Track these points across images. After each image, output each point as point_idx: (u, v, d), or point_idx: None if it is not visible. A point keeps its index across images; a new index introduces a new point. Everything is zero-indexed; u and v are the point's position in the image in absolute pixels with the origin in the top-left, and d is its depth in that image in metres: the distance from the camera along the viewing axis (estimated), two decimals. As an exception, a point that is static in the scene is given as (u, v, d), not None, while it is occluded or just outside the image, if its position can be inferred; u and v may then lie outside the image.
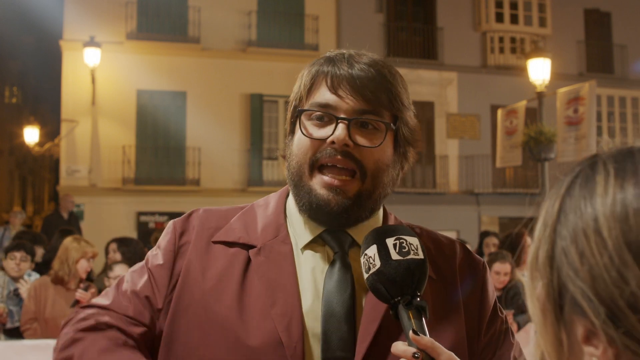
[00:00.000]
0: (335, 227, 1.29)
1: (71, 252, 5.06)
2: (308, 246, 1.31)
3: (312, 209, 1.26)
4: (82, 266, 5.08)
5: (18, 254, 5.39)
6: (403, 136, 1.29)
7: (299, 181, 1.27)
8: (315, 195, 1.24)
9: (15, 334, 5.03)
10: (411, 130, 1.30)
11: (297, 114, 1.29)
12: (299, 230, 1.32)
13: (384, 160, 1.27)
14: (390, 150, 1.28)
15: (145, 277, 1.33)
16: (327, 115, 1.25)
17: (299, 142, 1.28)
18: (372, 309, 1.22)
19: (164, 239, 1.37)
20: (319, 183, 1.24)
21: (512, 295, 5.40)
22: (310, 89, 1.28)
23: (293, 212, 1.34)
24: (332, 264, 1.27)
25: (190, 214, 1.40)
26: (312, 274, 1.28)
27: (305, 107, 1.27)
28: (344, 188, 1.24)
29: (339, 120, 1.23)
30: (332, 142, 1.22)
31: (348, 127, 1.22)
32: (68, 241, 5.22)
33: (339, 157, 1.23)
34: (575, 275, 0.63)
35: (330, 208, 1.24)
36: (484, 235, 10.56)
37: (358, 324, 1.22)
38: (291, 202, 1.35)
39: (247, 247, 1.30)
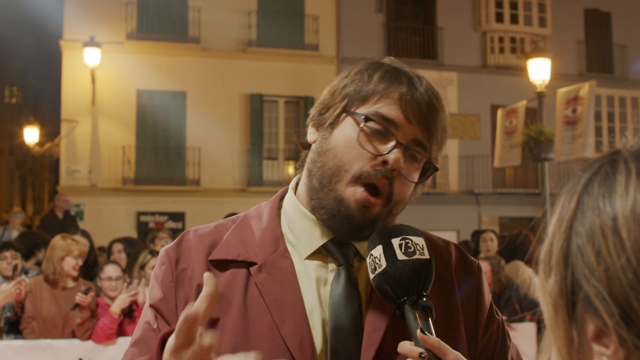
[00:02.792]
0: (339, 237, 1.25)
1: (56, 250, 5.03)
2: (310, 256, 1.26)
3: (333, 217, 1.21)
4: (69, 264, 5.01)
5: (8, 254, 5.37)
6: (430, 171, 1.28)
7: (328, 183, 1.21)
8: (346, 206, 1.19)
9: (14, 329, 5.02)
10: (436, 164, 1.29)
11: (352, 113, 1.23)
12: (302, 238, 1.27)
13: (408, 192, 1.25)
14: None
15: (153, 316, 1.26)
16: (388, 132, 1.20)
17: (347, 145, 1.21)
18: (376, 318, 1.19)
19: (159, 269, 1.30)
20: (353, 195, 1.19)
21: (505, 300, 5.34)
22: (379, 95, 1.22)
23: (294, 217, 1.30)
24: (337, 275, 1.24)
25: (181, 239, 1.32)
26: (314, 287, 1.24)
27: (367, 111, 1.21)
28: (372, 207, 1.20)
29: (398, 144, 1.19)
30: (384, 162, 1.18)
31: (403, 152, 1.19)
32: (55, 239, 5.19)
33: (385, 180, 1.19)
34: (590, 274, 0.62)
35: (350, 224, 1.20)
36: (477, 234, 10.56)
37: None
38: (290, 206, 1.31)
39: (247, 264, 1.24)
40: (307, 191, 1.27)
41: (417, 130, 1.21)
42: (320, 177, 1.23)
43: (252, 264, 1.24)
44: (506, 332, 1.39)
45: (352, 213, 1.19)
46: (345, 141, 1.21)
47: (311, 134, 1.30)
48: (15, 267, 5.14)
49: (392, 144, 1.19)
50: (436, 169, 1.28)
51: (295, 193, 1.34)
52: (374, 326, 1.18)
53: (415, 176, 1.25)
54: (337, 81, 1.29)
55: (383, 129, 1.20)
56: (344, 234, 1.24)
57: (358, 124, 1.21)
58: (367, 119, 1.20)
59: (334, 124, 1.25)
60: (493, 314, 1.37)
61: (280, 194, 1.37)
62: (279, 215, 1.33)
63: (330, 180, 1.21)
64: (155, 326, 1.25)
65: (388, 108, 1.20)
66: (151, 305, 1.27)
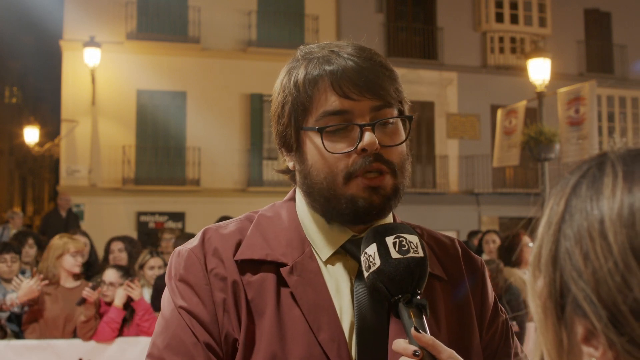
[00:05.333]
0: (370, 223, 1.23)
1: (51, 249, 5.00)
2: (329, 259, 1.24)
3: (359, 214, 1.19)
4: (68, 262, 4.96)
5: (8, 256, 5.36)
6: (408, 120, 1.26)
7: (332, 194, 1.20)
8: (361, 199, 1.18)
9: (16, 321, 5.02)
10: (409, 110, 1.28)
11: (306, 129, 1.21)
12: (318, 240, 1.25)
13: (405, 151, 1.24)
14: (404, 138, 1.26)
15: (186, 324, 1.18)
16: (346, 122, 1.18)
17: (322, 157, 1.20)
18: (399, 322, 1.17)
19: (187, 271, 1.22)
20: (359, 188, 1.18)
21: (507, 301, 5.31)
22: (314, 97, 1.19)
23: (308, 224, 1.28)
24: (359, 275, 1.21)
25: (202, 238, 1.26)
26: (339, 289, 1.22)
27: (315, 120, 1.19)
28: (381, 185, 1.19)
29: (361, 128, 1.17)
30: (363, 150, 1.17)
31: (372, 130, 1.17)
32: (54, 239, 5.17)
33: (373, 164, 1.18)
34: (578, 277, 0.62)
35: (375, 207, 1.19)
36: (473, 234, 10.61)
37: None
38: (303, 213, 1.29)
39: (277, 265, 1.21)
40: (318, 209, 1.25)
41: (368, 100, 1.17)
42: (320, 193, 1.22)
43: (280, 265, 1.21)
44: (510, 328, 1.38)
45: (370, 200, 1.19)
46: (318, 155, 1.21)
47: (288, 161, 1.29)
48: (34, 264, 5.11)
49: (356, 131, 1.17)
50: (411, 118, 1.25)
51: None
52: (399, 325, 1.16)
53: (399, 135, 1.22)
54: (274, 102, 1.28)
55: (340, 123, 1.18)
56: (370, 222, 1.23)
57: (317, 135, 1.20)
58: (321, 128, 1.18)
59: (299, 146, 1.24)
60: (497, 310, 1.37)
61: (292, 195, 1.34)
62: (297, 216, 1.30)
63: (330, 190, 1.20)
64: (194, 331, 1.18)
65: (329, 102, 1.18)
66: (184, 309, 1.19)
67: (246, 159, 16.50)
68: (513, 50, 18.74)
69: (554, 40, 18.33)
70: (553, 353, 0.66)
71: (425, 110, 17.66)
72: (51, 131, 24.04)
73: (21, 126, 22.80)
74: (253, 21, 16.83)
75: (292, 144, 1.25)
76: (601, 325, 0.60)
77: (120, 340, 4.78)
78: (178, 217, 15.97)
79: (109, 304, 4.82)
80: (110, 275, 4.92)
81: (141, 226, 15.64)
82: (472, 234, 10.81)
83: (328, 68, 1.18)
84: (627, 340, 0.59)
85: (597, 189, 0.65)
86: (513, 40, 18.87)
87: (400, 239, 1.14)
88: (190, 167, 16.25)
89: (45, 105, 32.12)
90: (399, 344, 1.07)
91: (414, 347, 1.04)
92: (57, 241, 5.09)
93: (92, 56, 15.00)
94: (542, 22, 19.02)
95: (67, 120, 15.81)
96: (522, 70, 15.20)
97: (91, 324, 4.72)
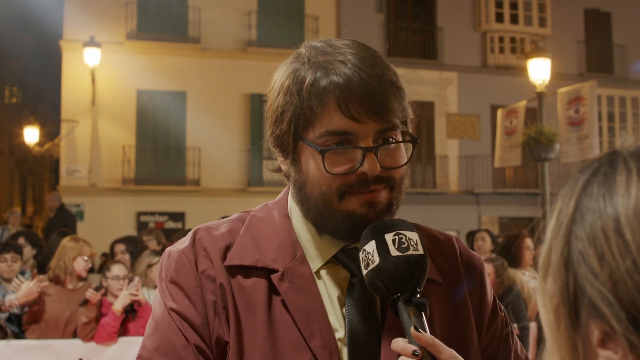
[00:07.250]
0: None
1: (68, 251, 5.09)
2: (321, 267, 1.22)
3: (354, 230, 1.16)
4: (80, 265, 5.10)
5: (8, 256, 5.36)
6: (411, 137, 1.23)
7: (327, 210, 1.17)
8: (357, 215, 1.15)
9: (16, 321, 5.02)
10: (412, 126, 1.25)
11: (306, 142, 1.16)
12: (310, 250, 1.23)
13: (405, 168, 1.22)
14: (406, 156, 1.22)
15: (177, 326, 1.17)
16: (349, 143, 1.14)
17: (320, 173, 1.16)
18: (393, 327, 1.15)
19: (178, 273, 1.20)
20: (355, 203, 1.16)
21: (506, 305, 5.29)
22: (319, 112, 1.13)
23: (300, 228, 1.25)
24: (350, 288, 1.19)
25: (193, 239, 1.24)
26: (330, 298, 1.20)
27: (317, 136, 1.14)
28: (377, 200, 1.16)
29: (364, 151, 1.13)
30: (363, 173, 1.14)
31: (375, 153, 1.14)
32: (65, 240, 5.25)
33: (371, 186, 1.15)
34: (594, 278, 0.60)
35: (370, 222, 1.16)
36: (471, 234, 10.59)
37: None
38: (296, 217, 1.26)
39: (267, 271, 1.19)
40: (310, 219, 1.23)
41: (373, 123, 1.13)
42: (315, 207, 1.19)
43: (271, 271, 1.19)
44: (510, 327, 1.36)
45: (366, 215, 1.16)
46: (316, 170, 1.17)
47: (281, 162, 1.25)
48: (34, 266, 5.16)
49: (358, 153, 1.14)
50: (415, 140, 1.20)
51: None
52: (392, 334, 1.14)
53: (401, 155, 1.19)
54: (272, 100, 1.21)
55: (342, 143, 1.14)
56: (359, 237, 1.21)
57: (317, 152, 1.15)
58: (323, 150, 1.14)
59: (296, 154, 1.20)
60: (497, 309, 1.35)
61: (285, 197, 1.30)
62: (289, 218, 1.27)
63: (326, 207, 1.17)
64: (184, 333, 1.17)
65: (333, 122, 1.13)
66: (174, 311, 1.18)
67: (246, 159, 16.49)
68: (513, 50, 18.74)
69: (554, 40, 18.33)
70: (568, 359, 0.64)
71: (425, 110, 17.66)
72: (51, 131, 24.03)
73: (21, 126, 22.80)
74: (253, 21, 16.83)
75: (289, 151, 1.20)
76: (621, 327, 0.58)
77: (120, 340, 4.77)
78: (178, 217, 15.97)
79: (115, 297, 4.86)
80: (116, 270, 5.05)
81: (141, 226, 15.62)
82: (471, 234, 10.80)
83: (336, 81, 1.12)
84: None
85: (610, 187, 0.62)
86: (513, 40, 18.87)
87: (400, 236, 1.11)
88: (190, 167, 16.25)
89: (45, 105, 32.11)
90: (398, 344, 1.05)
91: (413, 347, 1.02)
92: (72, 243, 5.16)
93: (92, 56, 15.00)
94: (542, 22, 19.02)
95: (67, 120, 15.81)
96: (522, 70, 15.20)
97: (91, 325, 4.74)
